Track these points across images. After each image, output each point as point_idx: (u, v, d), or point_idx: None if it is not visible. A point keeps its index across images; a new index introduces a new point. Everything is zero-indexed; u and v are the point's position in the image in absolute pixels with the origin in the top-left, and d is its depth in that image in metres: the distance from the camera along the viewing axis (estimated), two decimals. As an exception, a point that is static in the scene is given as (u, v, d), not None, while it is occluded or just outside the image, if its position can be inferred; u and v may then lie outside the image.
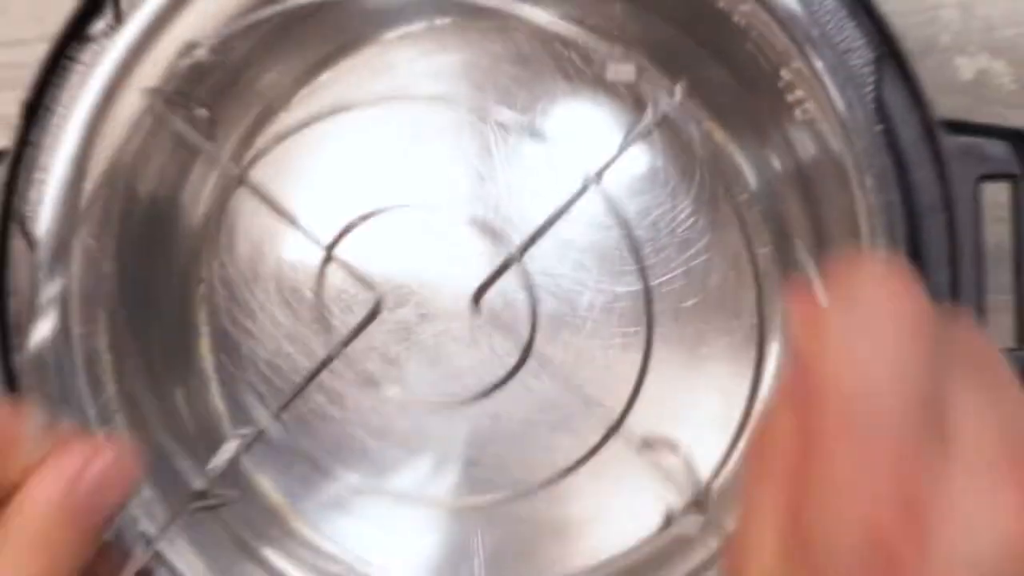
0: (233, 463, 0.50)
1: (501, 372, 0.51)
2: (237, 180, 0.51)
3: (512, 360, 0.51)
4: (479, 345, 0.52)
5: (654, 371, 0.51)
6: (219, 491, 0.50)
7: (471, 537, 0.52)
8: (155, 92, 0.46)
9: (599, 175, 0.51)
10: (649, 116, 0.50)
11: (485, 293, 0.51)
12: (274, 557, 0.51)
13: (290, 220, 0.50)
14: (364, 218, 0.51)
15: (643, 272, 0.52)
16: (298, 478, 0.53)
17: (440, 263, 0.52)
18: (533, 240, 0.50)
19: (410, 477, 0.53)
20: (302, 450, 0.52)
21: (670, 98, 0.50)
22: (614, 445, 0.51)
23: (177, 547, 0.46)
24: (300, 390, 0.51)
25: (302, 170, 0.53)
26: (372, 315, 0.51)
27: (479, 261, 0.51)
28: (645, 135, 0.51)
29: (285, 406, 0.51)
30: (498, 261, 0.51)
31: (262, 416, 0.51)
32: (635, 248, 0.52)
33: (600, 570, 0.52)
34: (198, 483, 0.50)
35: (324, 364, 0.51)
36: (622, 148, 0.51)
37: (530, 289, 0.51)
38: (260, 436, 0.51)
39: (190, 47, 0.46)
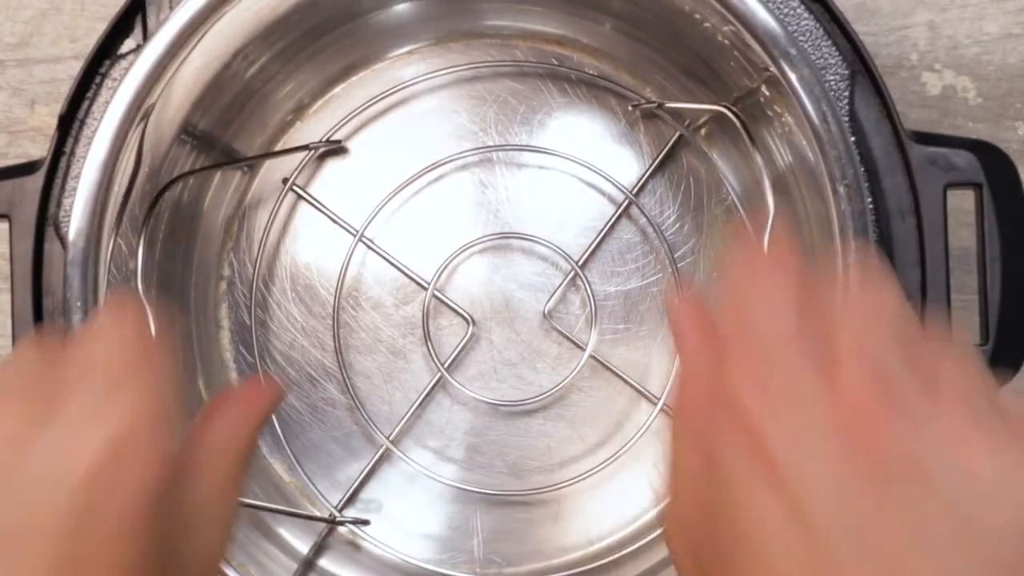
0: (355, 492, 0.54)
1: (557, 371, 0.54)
2: (357, 239, 0.54)
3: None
4: (542, 350, 0.54)
5: (641, 363, 0.54)
6: (348, 518, 0.53)
7: (471, 519, 0.54)
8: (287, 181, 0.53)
9: (636, 192, 0.54)
10: (675, 135, 0.54)
11: (550, 304, 0.54)
12: (287, 534, 0.53)
13: (400, 268, 0.54)
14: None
15: (630, 273, 0.54)
16: (314, 461, 0.55)
17: (492, 280, 0.55)
18: (589, 254, 0.54)
19: (421, 458, 0.54)
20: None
21: (682, 120, 0.53)
22: (617, 437, 0.54)
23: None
24: (409, 413, 0.54)
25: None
26: (470, 338, 0.54)
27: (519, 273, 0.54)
28: (668, 155, 0.54)
29: (397, 431, 0.54)
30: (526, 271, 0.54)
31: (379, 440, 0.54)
32: (624, 251, 0.54)
33: (592, 551, 0.54)
34: (328, 513, 0.53)
35: (433, 385, 0.54)
36: (651, 168, 0.54)
37: (592, 298, 0.54)
38: (378, 464, 0.54)
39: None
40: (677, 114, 0.54)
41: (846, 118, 0.45)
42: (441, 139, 0.55)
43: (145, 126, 0.46)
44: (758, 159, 0.49)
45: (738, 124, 0.49)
